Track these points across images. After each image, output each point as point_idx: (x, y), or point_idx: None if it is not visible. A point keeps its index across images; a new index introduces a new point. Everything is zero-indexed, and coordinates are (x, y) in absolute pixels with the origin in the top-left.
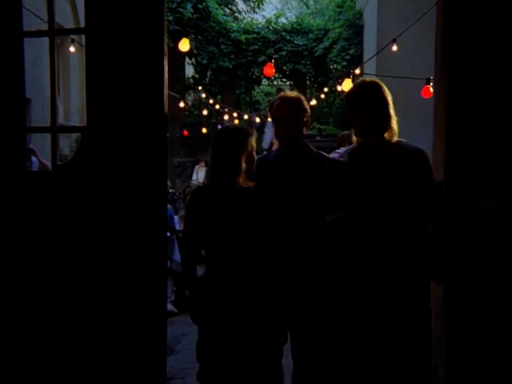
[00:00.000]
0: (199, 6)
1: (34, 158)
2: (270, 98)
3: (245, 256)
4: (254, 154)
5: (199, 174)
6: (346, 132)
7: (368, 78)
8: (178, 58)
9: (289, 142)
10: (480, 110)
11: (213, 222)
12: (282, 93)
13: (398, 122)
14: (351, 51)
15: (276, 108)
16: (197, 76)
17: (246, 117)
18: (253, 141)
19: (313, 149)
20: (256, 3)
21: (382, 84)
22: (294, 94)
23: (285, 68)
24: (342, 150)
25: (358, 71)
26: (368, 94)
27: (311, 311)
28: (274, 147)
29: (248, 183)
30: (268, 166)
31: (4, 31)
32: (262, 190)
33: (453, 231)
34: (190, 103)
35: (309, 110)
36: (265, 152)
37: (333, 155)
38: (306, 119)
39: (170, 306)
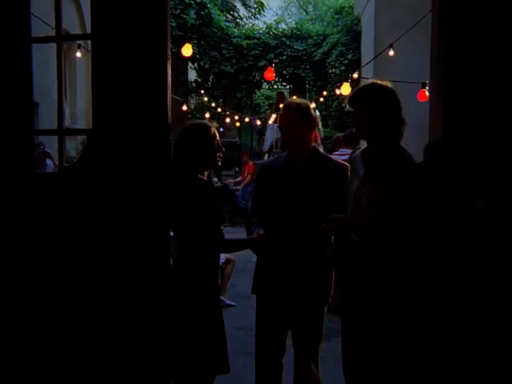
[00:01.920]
0: (202, 12)
1: (48, 161)
2: (271, 101)
3: (185, 244)
4: (211, 147)
5: None
6: (339, 134)
7: (379, 81)
8: (181, 62)
9: (294, 147)
10: (475, 113)
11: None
12: (288, 100)
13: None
14: (349, 56)
15: (280, 117)
16: (199, 80)
17: (247, 119)
18: (214, 135)
19: (321, 151)
20: (257, 9)
21: (393, 88)
22: (296, 101)
23: (285, 72)
24: (341, 151)
25: (355, 75)
26: (375, 93)
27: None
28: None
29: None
30: (277, 168)
31: (13, 38)
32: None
33: (453, 231)
34: (192, 106)
35: (314, 115)
36: (266, 155)
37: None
38: (311, 124)
39: None
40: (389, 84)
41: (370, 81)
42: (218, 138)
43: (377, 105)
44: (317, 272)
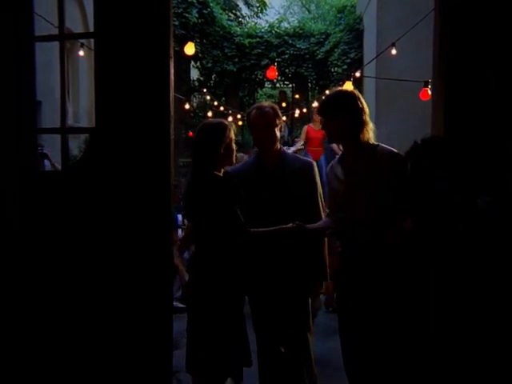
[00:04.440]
0: (204, 11)
1: (46, 162)
2: (273, 100)
3: (207, 240)
4: (233, 145)
5: None
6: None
7: (344, 88)
8: (183, 61)
9: (270, 147)
10: (477, 112)
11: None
12: (257, 104)
13: (398, 124)
14: (352, 55)
15: (254, 118)
16: (202, 79)
17: None
18: (231, 133)
19: (286, 150)
20: (259, 8)
21: (357, 93)
22: (267, 103)
23: (287, 71)
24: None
25: (358, 74)
26: (346, 102)
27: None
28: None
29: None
30: (249, 172)
31: (16, 37)
32: (227, 180)
33: (453, 230)
34: (195, 105)
35: (281, 117)
36: None
37: None
38: (279, 125)
39: (175, 303)
40: (354, 90)
41: (337, 89)
42: (232, 136)
43: (342, 111)
44: (297, 268)
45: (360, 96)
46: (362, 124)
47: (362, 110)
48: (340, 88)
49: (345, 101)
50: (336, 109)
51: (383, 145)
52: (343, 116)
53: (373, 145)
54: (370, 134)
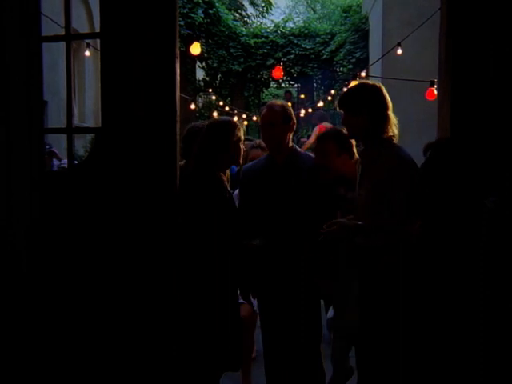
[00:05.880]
0: (210, 11)
1: (55, 161)
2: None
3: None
4: (240, 145)
5: None
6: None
7: (369, 81)
8: (189, 61)
9: (275, 145)
10: (483, 111)
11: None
12: (269, 101)
13: (404, 124)
14: (357, 54)
15: (262, 115)
16: (207, 79)
17: (254, 118)
18: (239, 133)
19: (299, 150)
20: (265, 8)
21: (380, 86)
22: (280, 102)
23: (292, 71)
24: None
25: (363, 74)
26: (369, 96)
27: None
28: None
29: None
30: (260, 169)
31: (24, 37)
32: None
33: (457, 230)
34: (200, 105)
35: (293, 117)
36: None
37: None
38: (291, 124)
39: None
40: (377, 83)
41: (360, 82)
42: (241, 136)
43: (366, 106)
44: (309, 271)
45: (383, 89)
46: (385, 120)
47: (385, 105)
48: (363, 81)
49: (368, 94)
50: (359, 103)
51: (400, 147)
52: (366, 111)
53: (391, 145)
54: (394, 129)
